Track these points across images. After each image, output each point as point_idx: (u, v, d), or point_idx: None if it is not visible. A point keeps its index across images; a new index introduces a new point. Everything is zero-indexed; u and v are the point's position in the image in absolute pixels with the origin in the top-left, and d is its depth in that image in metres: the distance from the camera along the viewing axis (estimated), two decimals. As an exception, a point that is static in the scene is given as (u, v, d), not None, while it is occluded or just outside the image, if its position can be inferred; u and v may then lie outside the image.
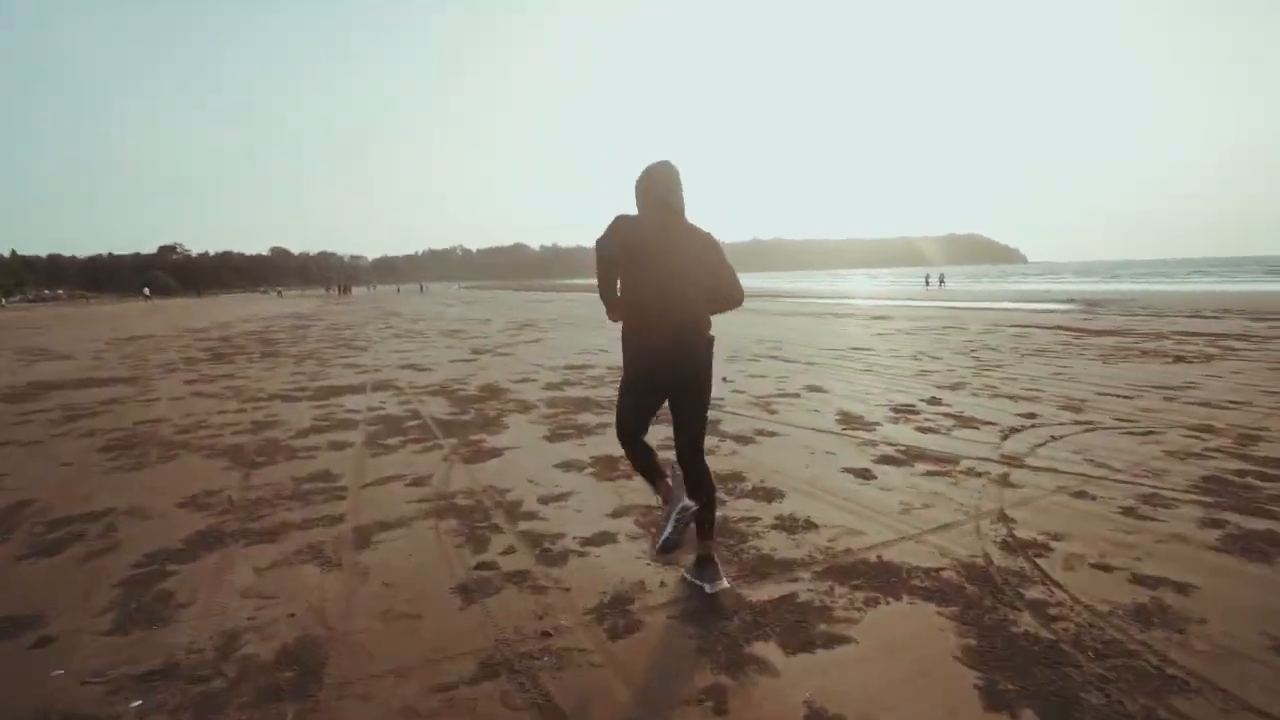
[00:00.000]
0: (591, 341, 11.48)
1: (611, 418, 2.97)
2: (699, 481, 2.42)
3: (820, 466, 3.86)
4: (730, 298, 2.45)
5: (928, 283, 45.58)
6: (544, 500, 3.38)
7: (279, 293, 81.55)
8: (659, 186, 2.35)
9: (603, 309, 2.50)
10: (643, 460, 2.42)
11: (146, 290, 65.66)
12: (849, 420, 5.04)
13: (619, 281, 2.37)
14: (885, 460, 3.95)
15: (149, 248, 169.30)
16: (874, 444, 4.32)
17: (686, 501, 2.25)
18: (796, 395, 6.06)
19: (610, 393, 6.47)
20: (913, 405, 5.54)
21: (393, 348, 11.58)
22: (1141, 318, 14.58)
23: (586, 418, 5.30)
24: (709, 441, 3.20)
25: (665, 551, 2.28)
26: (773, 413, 5.36)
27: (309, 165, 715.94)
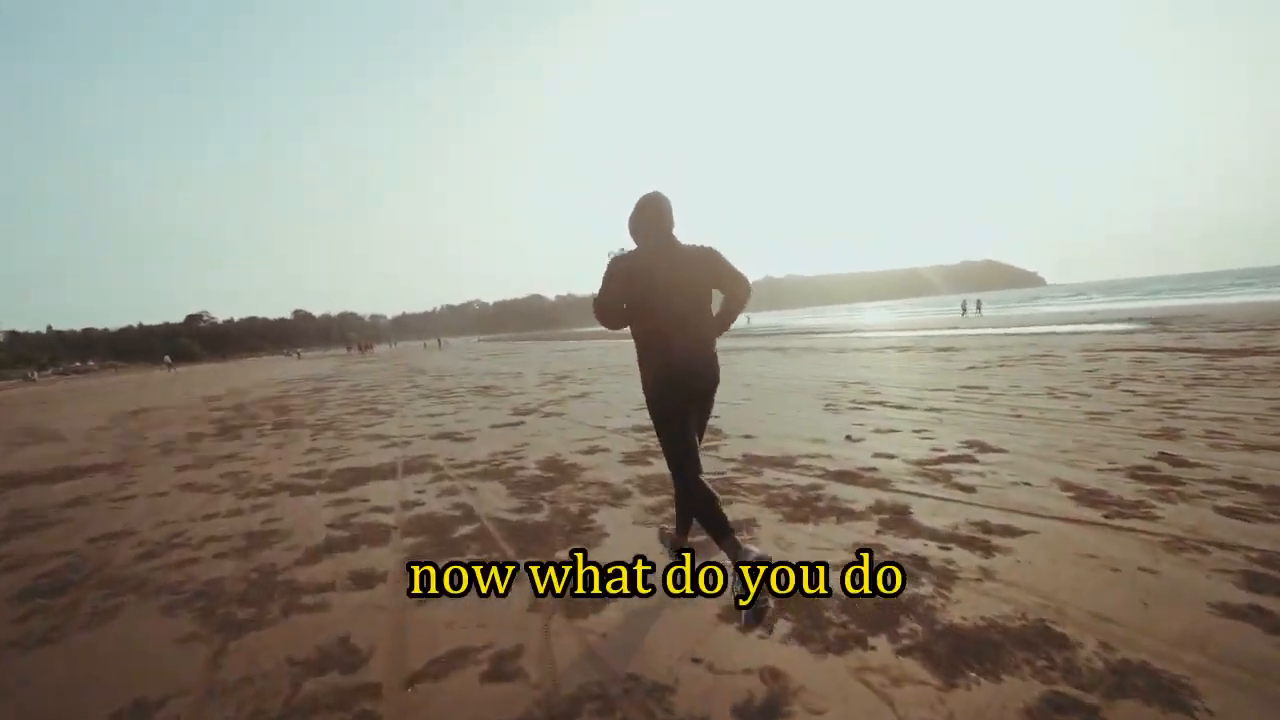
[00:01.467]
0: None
1: (754, 508, 3.01)
2: (702, 493, 2.40)
3: (1165, 604, 2.29)
4: (740, 293, 2.63)
5: (964, 310, 43.78)
6: (747, 710, 1.85)
7: (298, 354, 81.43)
8: (647, 218, 2.52)
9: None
10: (709, 502, 2.34)
11: (168, 358, 65.89)
12: (1090, 498, 3.46)
13: (631, 319, 2.54)
14: (1252, 583, 2.37)
15: (177, 317, 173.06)
16: (1185, 544, 2.74)
17: (763, 551, 2.14)
18: (968, 458, 4.49)
19: (713, 462, 4.96)
20: (1152, 468, 3.95)
21: (421, 410, 10.19)
22: (1239, 333, 12.84)
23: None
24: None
25: (756, 621, 2.12)
26: (965, 489, 3.79)
27: (327, 229, 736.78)
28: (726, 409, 7.56)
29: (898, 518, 3.33)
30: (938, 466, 4.33)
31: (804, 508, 3.61)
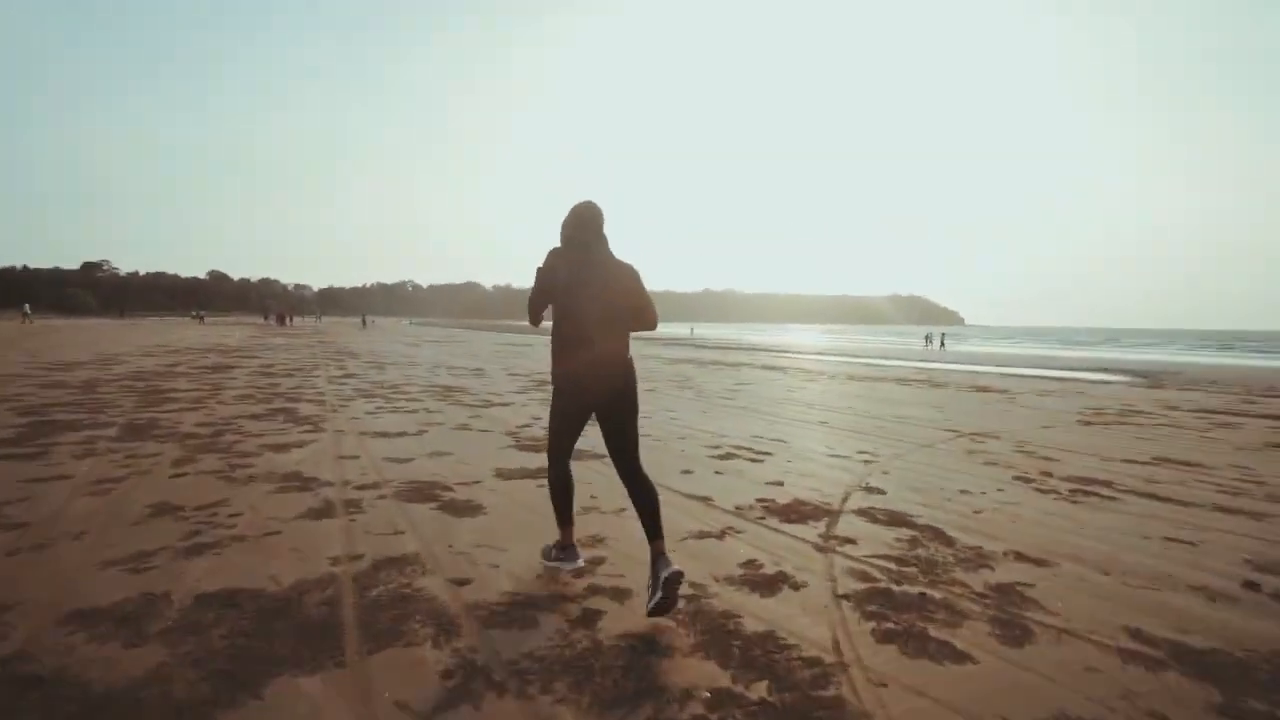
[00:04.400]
0: (691, 419, 7.10)
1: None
2: (643, 489, 2.62)
3: None
4: (648, 320, 2.69)
5: (928, 342, 42.92)
6: None
7: (200, 317, 68.75)
8: (584, 223, 2.61)
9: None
10: (564, 488, 2.75)
11: (27, 307, 53.42)
12: None
13: (551, 308, 2.66)
14: None
15: (71, 263, 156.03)
16: None
17: (580, 563, 2.81)
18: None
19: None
20: None
21: (365, 420, 6.84)
22: (1240, 394, 11.16)
23: None
24: None
25: (658, 613, 2.38)
26: None
27: (255, 189, 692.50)
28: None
29: None
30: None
31: None
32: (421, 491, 4.12)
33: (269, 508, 3.69)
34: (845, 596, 2.71)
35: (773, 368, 18.32)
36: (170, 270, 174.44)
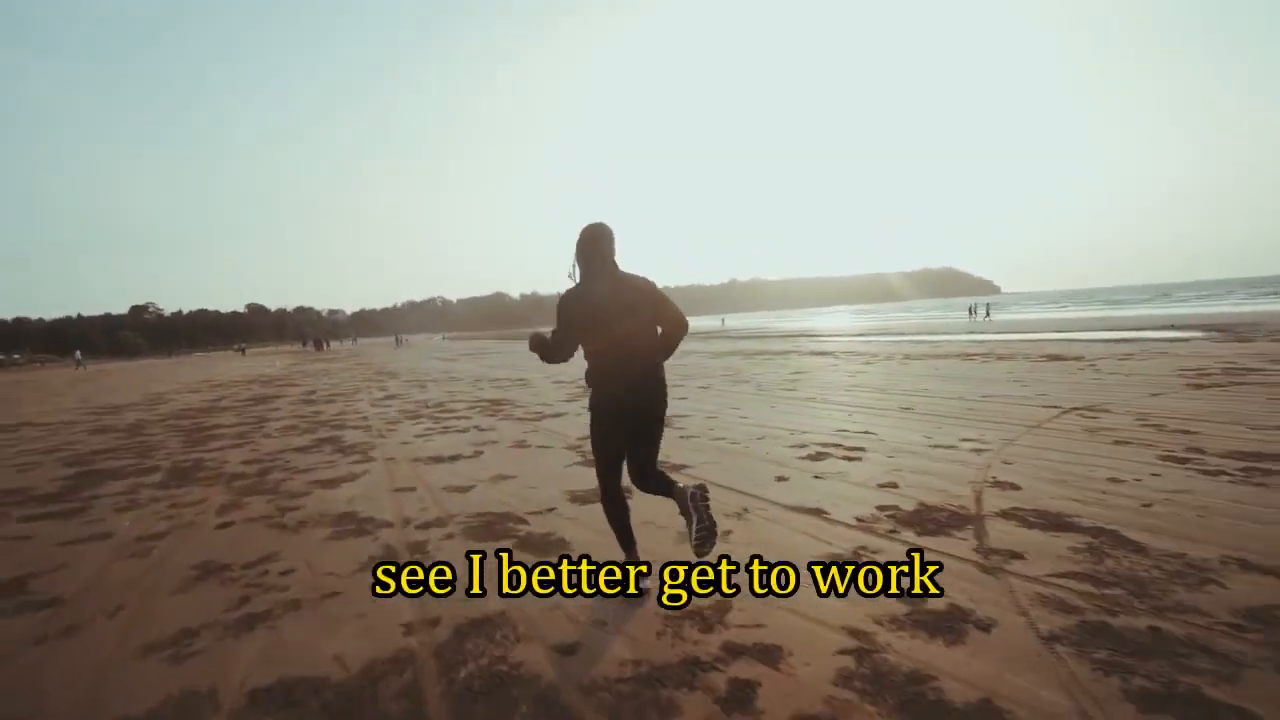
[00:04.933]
0: (761, 415, 6.51)
1: None
2: (654, 481, 2.59)
3: None
4: (678, 325, 2.65)
5: (972, 313, 41.37)
6: None
7: (241, 350, 71.59)
8: (592, 246, 2.59)
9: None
10: (623, 517, 2.66)
11: (78, 354, 55.83)
12: None
13: (582, 342, 2.60)
14: None
15: (120, 308, 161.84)
16: None
17: (692, 488, 2.44)
18: None
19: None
20: None
21: (415, 443, 6.42)
22: None
23: None
24: None
25: (705, 544, 2.36)
26: None
27: (285, 222, 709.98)
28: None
29: None
30: None
31: None
32: (492, 527, 3.62)
33: (325, 560, 3.23)
34: (1054, 638, 2.11)
35: (822, 353, 17.55)
36: (211, 307, 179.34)
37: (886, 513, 3.51)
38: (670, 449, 5.60)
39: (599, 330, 2.53)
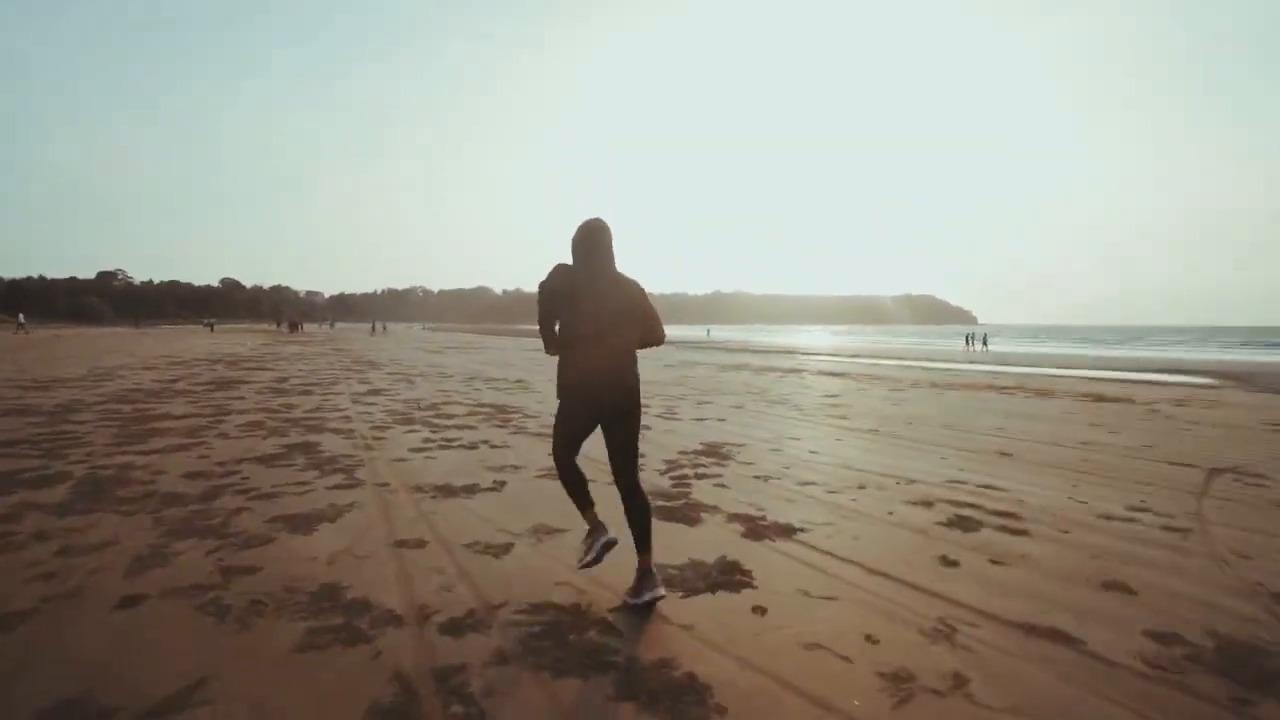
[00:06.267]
0: (831, 450, 5.27)
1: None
2: (641, 504, 2.61)
3: None
4: (656, 334, 2.69)
5: (969, 343, 40.79)
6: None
7: (210, 325, 66.81)
8: (592, 239, 2.56)
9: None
10: (577, 482, 2.62)
11: (21, 317, 51.51)
12: None
13: (558, 322, 2.56)
14: None
15: (87, 272, 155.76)
16: None
17: (610, 535, 2.57)
18: None
19: None
20: None
21: (417, 464, 5.07)
22: None
23: None
24: None
25: (586, 567, 2.61)
26: None
27: (265, 198, 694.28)
28: None
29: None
30: None
31: None
32: (559, 630, 2.31)
33: (290, 709, 1.87)
34: None
35: (834, 374, 16.49)
36: (185, 279, 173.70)
37: (1164, 642, 2.28)
38: (753, 493, 4.32)
39: (576, 308, 2.49)
